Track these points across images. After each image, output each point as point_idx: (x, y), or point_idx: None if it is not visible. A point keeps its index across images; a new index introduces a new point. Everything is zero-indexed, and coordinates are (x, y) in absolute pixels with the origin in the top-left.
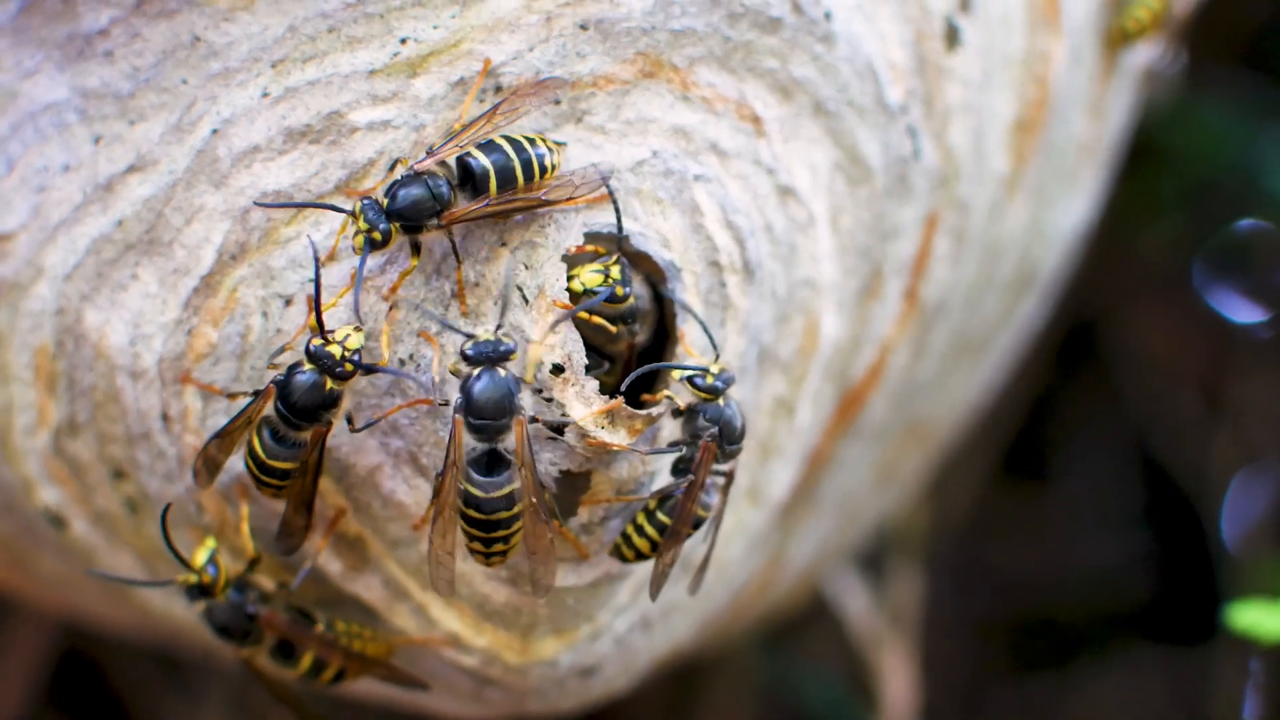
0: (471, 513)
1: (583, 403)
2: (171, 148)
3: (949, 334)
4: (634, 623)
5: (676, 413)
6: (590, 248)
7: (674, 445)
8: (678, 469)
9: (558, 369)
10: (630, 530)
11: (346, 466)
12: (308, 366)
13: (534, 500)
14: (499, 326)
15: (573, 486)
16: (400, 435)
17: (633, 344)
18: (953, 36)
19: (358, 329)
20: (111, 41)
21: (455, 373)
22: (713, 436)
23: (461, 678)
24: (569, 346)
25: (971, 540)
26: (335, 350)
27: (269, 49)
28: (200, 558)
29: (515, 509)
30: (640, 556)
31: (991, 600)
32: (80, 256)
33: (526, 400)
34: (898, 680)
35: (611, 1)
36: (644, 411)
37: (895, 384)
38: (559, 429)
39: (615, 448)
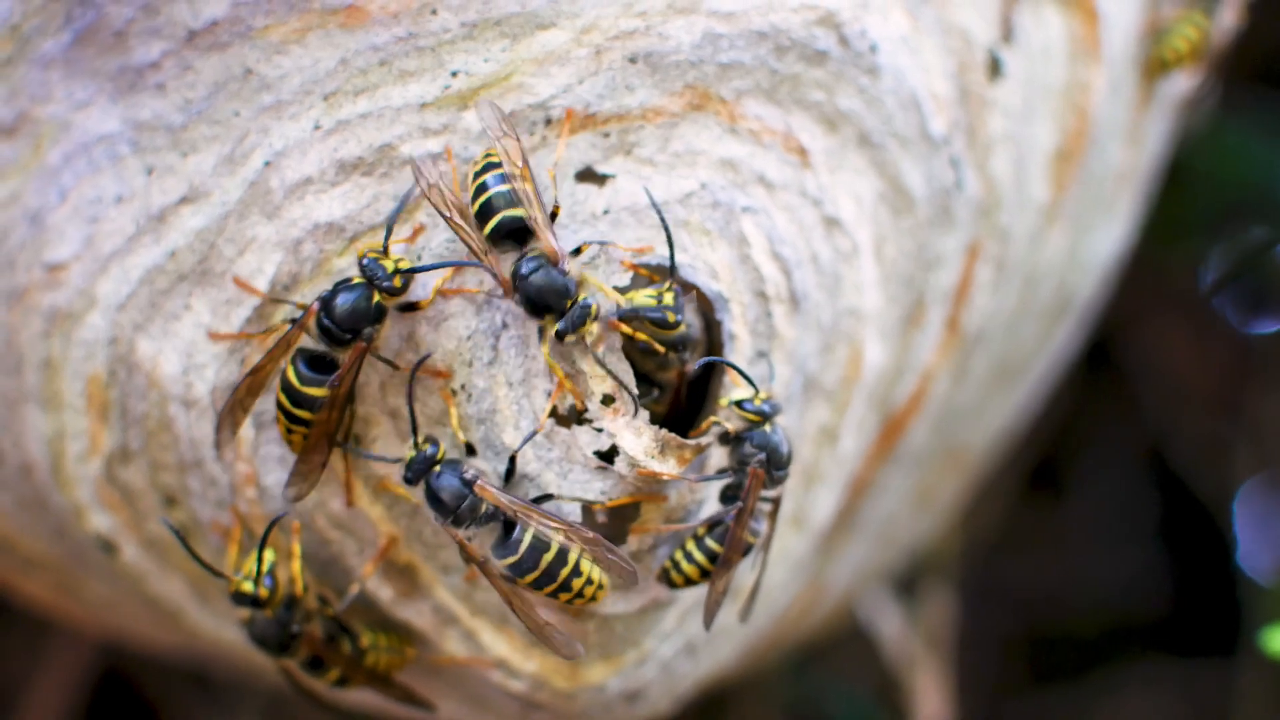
0: (530, 578)
1: (633, 432)
2: (224, 179)
3: (988, 361)
4: (679, 648)
5: (724, 438)
6: (644, 272)
7: (722, 472)
8: (726, 496)
9: (608, 399)
10: (679, 556)
11: (399, 494)
12: (356, 279)
13: (557, 524)
14: (416, 440)
15: (622, 515)
16: None
17: (683, 372)
18: (995, 68)
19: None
20: (163, 74)
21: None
22: (760, 463)
23: (508, 702)
24: (619, 377)
25: (988, 555)
26: (388, 264)
27: (321, 81)
28: (261, 569)
29: (555, 546)
30: (689, 582)
31: (1008, 614)
32: (133, 286)
33: (480, 464)
34: (931, 700)
35: (660, 35)
36: (693, 441)
37: (936, 410)
38: (609, 458)
39: (665, 476)
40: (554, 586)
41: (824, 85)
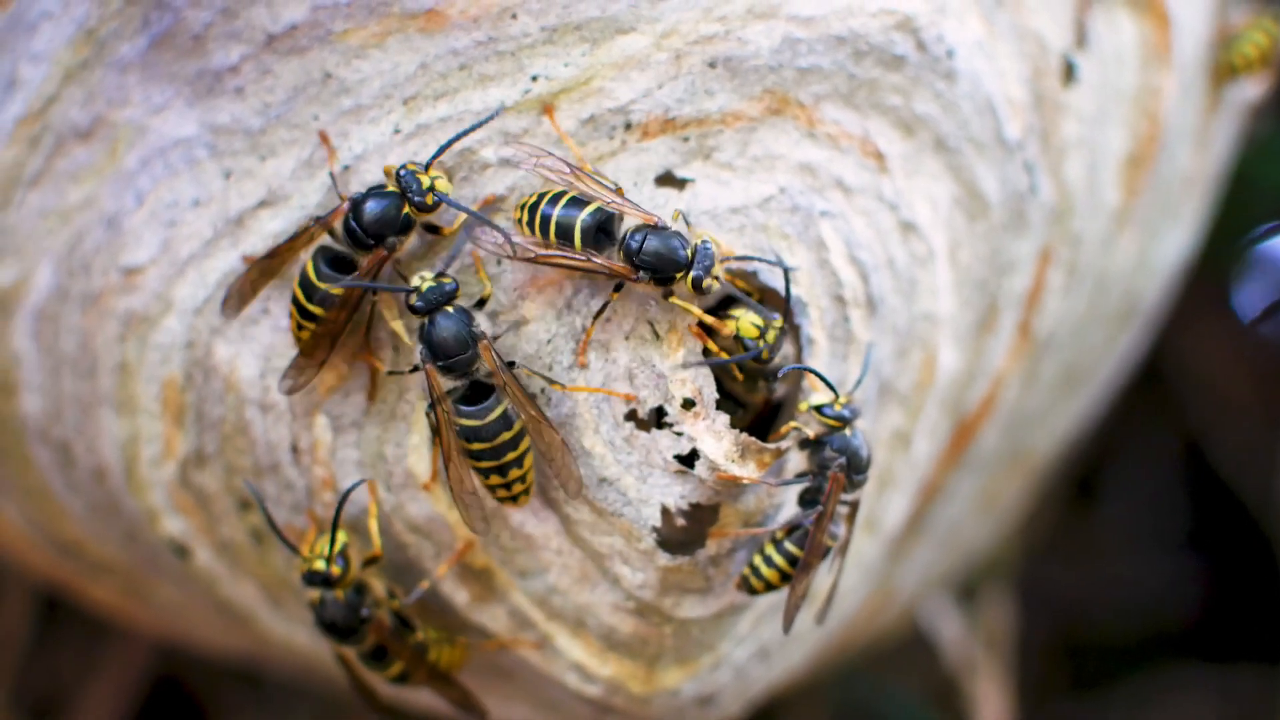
0: (476, 446)
1: (714, 437)
2: (303, 183)
3: (1057, 365)
4: (753, 652)
5: (804, 444)
6: (742, 284)
7: (801, 476)
8: (805, 500)
9: (688, 403)
10: (758, 561)
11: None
12: (390, 187)
13: (531, 412)
14: (439, 273)
15: (700, 519)
16: None
17: (769, 400)
18: (1069, 73)
19: (451, 180)
20: (242, 78)
21: (408, 328)
22: (840, 467)
23: (581, 706)
24: (699, 381)
25: (1026, 561)
26: (424, 179)
27: (401, 86)
28: (334, 549)
29: (516, 427)
30: (769, 588)
31: (1045, 620)
32: (210, 290)
33: (483, 322)
34: (992, 705)
35: (739, 40)
36: (773, 445)
37: (1005, 415)
38: (689, 462)
39: (745, 481)
40: (492, 464)
41: (901, 90)
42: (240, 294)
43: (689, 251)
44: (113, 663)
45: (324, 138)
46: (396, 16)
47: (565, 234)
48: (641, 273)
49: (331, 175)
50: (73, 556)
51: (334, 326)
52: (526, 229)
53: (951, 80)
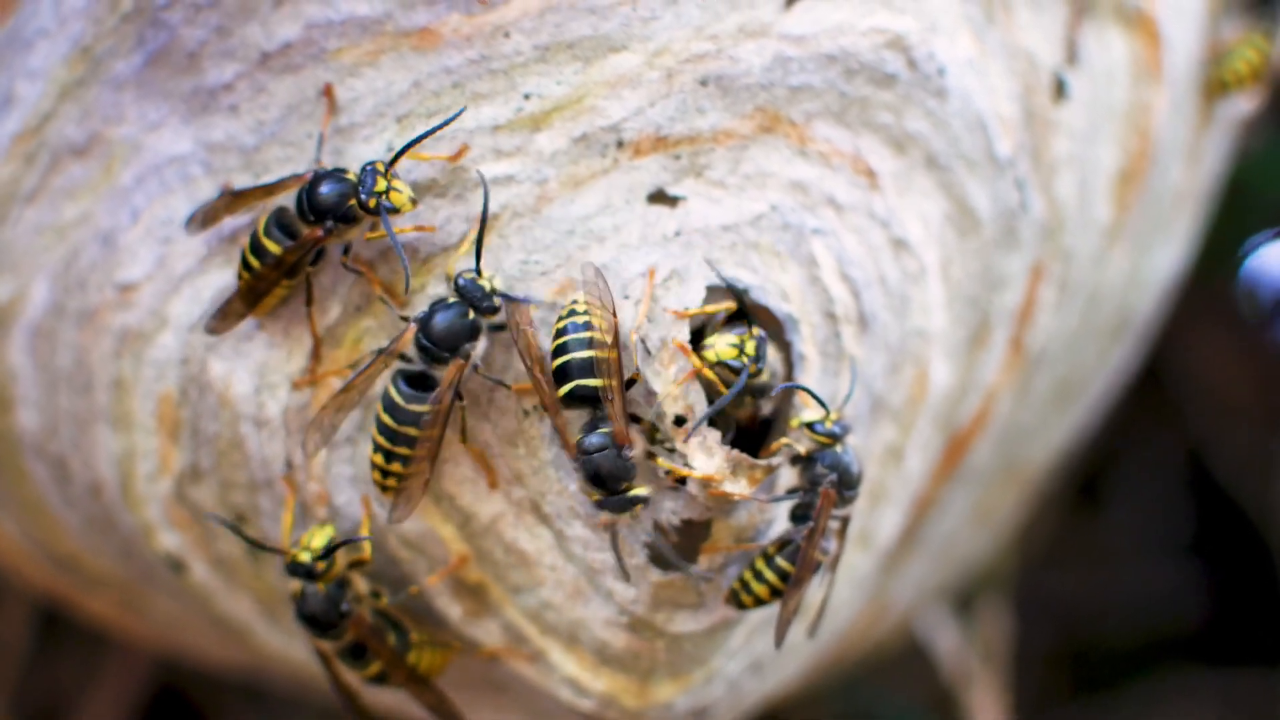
0: (385, 418)
1: (705, 453)
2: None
3: (1050, 380)
4: (746, 666)
5: (795, 460)
6: (715, 308)
7: (792, 492)
8: (797, 516)
9: (680, 420)
10: (749, 576)
11: (469, 515)
12: (344, 177)
13: (436, 434)
14: (495, 289)
15: (693, 534)
16: (523, 485)
17: (755, 416)
18: (1060, 90)
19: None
20: (236, 95)
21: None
22: (832, 483)
23: None
24: (691, 398)
25: (1028, 567)
26: (381, 184)
27: (394, 104)
28: (317, 540)
29: (425, 433)
30: (759, 603)
31: (1047, 626)
32: (205, 307)
33: (481, 348)
34: (987, 715)
35: (731, 58)
36: (764, 461)
37: (998, 429)
38: (681, 478)
39: (737, 497)
40: (383, 444)
41: (892, 108)
42: (204, 217)
43: (622, 485)
44: (114, 671)
45: (328, 91)
46: (390, 35)
47: (561, 376)
48: (578, 464)
49: (320, 135)
50: (69, 570)
51: (263, 283)
52: (553, 328)
53: (943, 98)
